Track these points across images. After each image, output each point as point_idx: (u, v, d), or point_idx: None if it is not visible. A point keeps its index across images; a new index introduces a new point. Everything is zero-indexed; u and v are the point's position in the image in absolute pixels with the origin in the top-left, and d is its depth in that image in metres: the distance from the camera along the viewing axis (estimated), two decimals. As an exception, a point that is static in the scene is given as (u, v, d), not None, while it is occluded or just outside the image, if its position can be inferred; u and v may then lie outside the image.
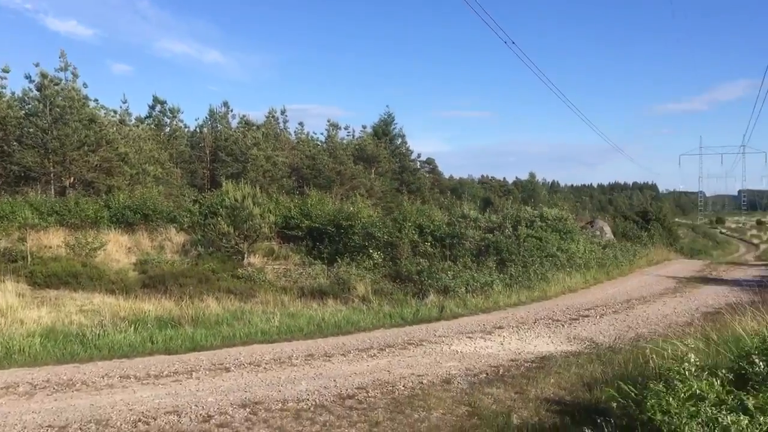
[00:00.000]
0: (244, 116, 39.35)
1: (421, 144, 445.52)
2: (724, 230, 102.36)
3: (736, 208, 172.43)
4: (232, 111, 40.25)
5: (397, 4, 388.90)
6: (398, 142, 49.81)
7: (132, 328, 11.49)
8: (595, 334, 11.06)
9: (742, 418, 4.67)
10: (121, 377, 8.41)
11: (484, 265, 17.65)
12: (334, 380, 8.15)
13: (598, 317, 12.71)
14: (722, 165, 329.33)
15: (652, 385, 5.35)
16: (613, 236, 24.77)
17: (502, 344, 10.42)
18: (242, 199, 19.43)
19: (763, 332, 7.30)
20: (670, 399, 4.99)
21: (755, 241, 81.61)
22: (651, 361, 7.64)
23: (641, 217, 40.36)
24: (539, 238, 19.07)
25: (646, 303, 14.43)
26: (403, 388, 7.78)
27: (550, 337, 10.96)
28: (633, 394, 5.32)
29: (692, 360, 5.86)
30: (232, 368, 8.89)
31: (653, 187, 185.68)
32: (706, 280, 18.47)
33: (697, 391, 5.09)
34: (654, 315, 12.81)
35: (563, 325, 11.94)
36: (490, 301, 14.90)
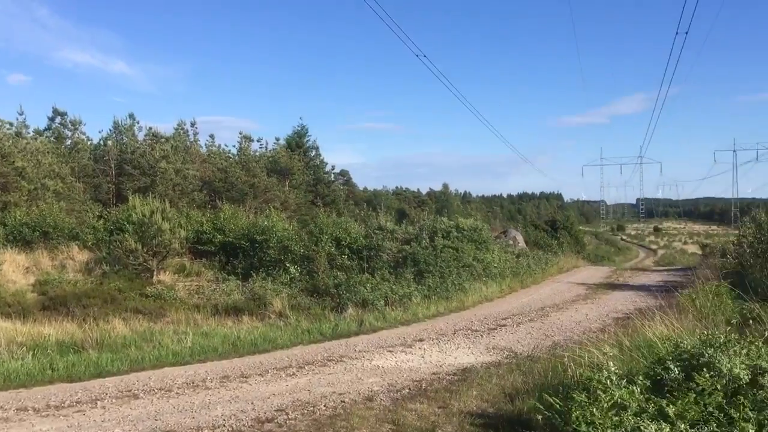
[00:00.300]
0: (151, 128, 37.73)
1: (335, 156, 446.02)
2: (624, 237, 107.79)
3: (634, 216, 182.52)
4: (138, 123, 38.48)
5: (309, 16, 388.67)
6: (312, 154, 49.30)
7: (30, 354, 10.62)
8: (513, 343, 11.19)
9: (663, 425, 4.73)
10: (17, 410, 7.69)
11: (402, 277, 17.62)
12: (252, 403, 7.77)
13: (515, 326, 12.90)
14: (621, 175, 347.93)
15: (575, 396, 5.35)
16: (525, 245, 25.46)
17: (423, 357, 10.34)
18: (150, 213, 18.56)
19: (675, 338, 7.54)
20: (594, 410, 5.00)
21: (653, 246, 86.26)
22: (569, 370, 7.74)
23: (550, 225, 41.83)
24: (456, 248, 19.27)
25: (559, 310, 14.81)
26: (324, 408, 7.52)
27: (470, 347, 10.99)
28: (557, 405, 5.30)
29: (612, 369, 5.92)
30: (141, 395, 8.33)
31: (559, 197, 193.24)
32: (614, 286, 19.25)
33: (619, 400, 5.14)
34: (568, 322, 13.14)
35: (482, 335, 12.02)
36: (409, 313, 14.86)
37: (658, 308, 13.24)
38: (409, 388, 8.30)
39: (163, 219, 18.56)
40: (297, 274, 18.12)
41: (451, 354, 10.54)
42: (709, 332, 6.54)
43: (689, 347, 6.33)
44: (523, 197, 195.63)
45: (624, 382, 5.44)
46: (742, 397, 4.98)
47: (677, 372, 5.81)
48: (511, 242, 23.74)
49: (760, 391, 5.22)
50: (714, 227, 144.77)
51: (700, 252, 67.96)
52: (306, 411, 7.38)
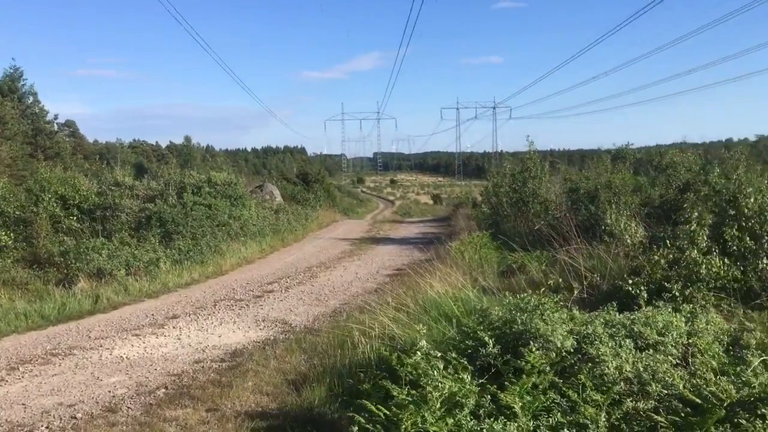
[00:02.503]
0: None
1: (59, 105, 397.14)
2: (365, 189, 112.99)
3: (372, 169, 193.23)
4: None
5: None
6: (29, 101, 42.27)
7: None
8: (285, 312, 9.88)
9: (508, 426, 3.81)
10: None
11: (147, 240, 15.20)
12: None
13: (283, 291, 11.59)
14: (361, 130, 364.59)
15: (397, 394, 4.21)
16: (282, 200, 24.24)
17: (180, 339, 8.55)
18: None
19: (476, 305, 6.86)
20: (427, 415, 3.90)
21: (391, 198, 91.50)
22: (360, 344, 6.69)
23: (302, 179, 41.14)
24: (208, 205, 17.25)
25: (327, 270, 13.86)
26: (47, 430, 5.48)
27: (235, 322, 9.44)
28: (378, 410, 4.09)
29: (426, 349, 4.92)
30: None
31: (303, 151, 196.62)
32: (376, 240, 18.94)
33: (454, 397, 4.11)
34: (340, 282, 12.22)
35: (248, 306, 10.51)
36: (157, 282, 12.72)
37: (428, 262, 13.00)
38: (166, 387, 6.54)
39: None
40: (10, 242, 14.62)
41: (214, 332, 8.90)
42: (522, 297, 5.90)
43: (498, 314, 5.60)
44: (268, 151, 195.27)
45: (451, 371, 4.44)
46: (581, 376, 4.27)
47: (493, 346, 4.99)
48: (267, 197, 22.30)
49: (590, 364, 4.57)
50: (441, 178, 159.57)
51: (431, 202, 73.69)
52: (17, 441, 5.29)
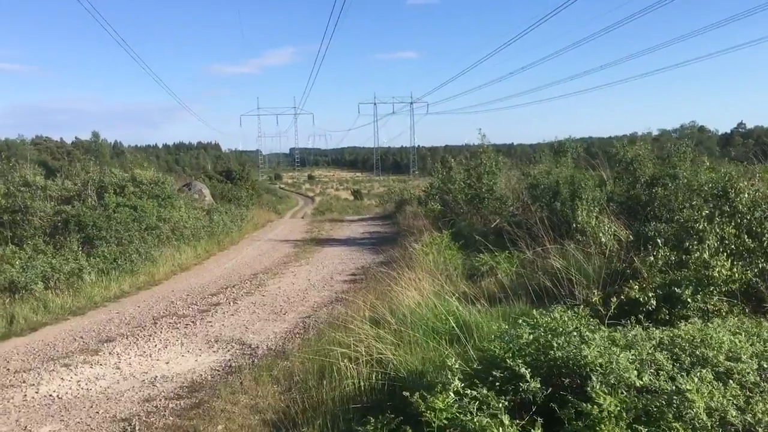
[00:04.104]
0: None
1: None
2: (282, 186, 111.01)
3: (289, 165, 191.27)
4: None
5: None
6: None
7: None
8: (240, 330, 8.67)
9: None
10: None
11: (66, 248, 13.50)
12: None
13: (231, 303, 10.33)
14: (278, 125, 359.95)
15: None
16: (213, 199, 22.63)
17: (119, 369, 7.24)
18: None
19: (492, 327, 5.97)
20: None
21: (310, 194, 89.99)
22: (348, 373, 5.67)
23: (225, 176, 39.16)
24: (134, 207, 15.61)
25: (275, 276, 12.63)
26: None
27: (182, 344, 8.17)
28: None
29: (458, 387, 4.06)
30: None
31: (217, 147, 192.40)
32: (320, 242, 17.76)
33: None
34: (293, 292, 11.06)
35: (194, 323, 9.22)
36: (81, 297, 11.18)
37: (386, 265, 12.05)
38: (115, 438, 5.31)
39: None
40: None
41: (160, 357, 7.64)
42: (554, 310, 5.09)
43: (528, 337, 4.75)
44: (181, 147, 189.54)
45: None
46: (677, 425, 3.47)
47: (535, 381, 4.15)
48: (197, 196, 20.70)
49: (672, 406, 3.72)
50: (359, 174, 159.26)
51: (352, 197, 72.71)
52: None
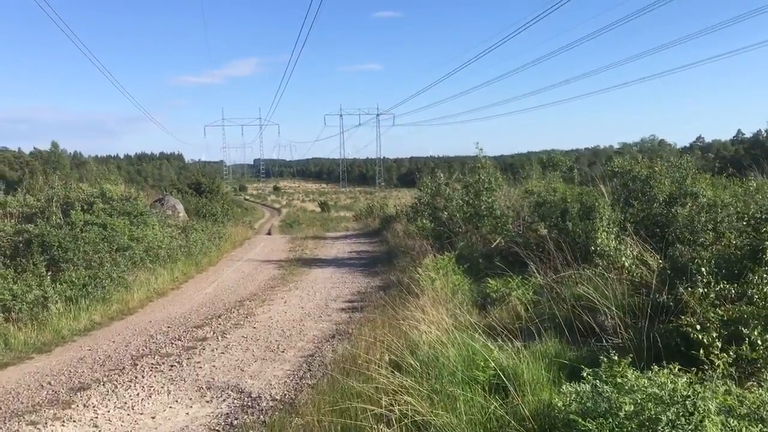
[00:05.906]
0: None
1: None
2: (247, 197, 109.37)
3: (254, 176, 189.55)
4: None
5: None
6: None
7: None
8: (235, 374, 7.58)
9: None
10: None
11: (29, 272, 12.19)
12: None
13: (220, 338, 9.21)
14: (243, 136, 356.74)
15: None
16: (187, 215, 21.35)
17: (97, 428, 6.12)
18: None
19: (539, 373, 5.09)
20: None
21: (276, 205, 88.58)
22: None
23: (194, 189, 37.66)
24: (104, 225, 14.33)
25: (264, 303, 11.52)
26: None
27: (169, 392, 7.06)
28: None
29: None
30: None
31: (180, 157, 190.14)
32: (307, 263, 16.62)
33: None
34: (287, 322, 9.99)
35: (180, 363, 8.10)
36: (47, 330, 9.96)
37: (384, 290, 11.09)
38: None
39: None
40: None
41: (144, 411, 6.53)
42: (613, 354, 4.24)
43: (629, 409, 3.87)
44: (143, 158, 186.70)
45: None
46: None
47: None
48: (170, 212, 19.41)
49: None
50: (324, 185, 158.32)
51: (319, 209, 71.49)
52: None
